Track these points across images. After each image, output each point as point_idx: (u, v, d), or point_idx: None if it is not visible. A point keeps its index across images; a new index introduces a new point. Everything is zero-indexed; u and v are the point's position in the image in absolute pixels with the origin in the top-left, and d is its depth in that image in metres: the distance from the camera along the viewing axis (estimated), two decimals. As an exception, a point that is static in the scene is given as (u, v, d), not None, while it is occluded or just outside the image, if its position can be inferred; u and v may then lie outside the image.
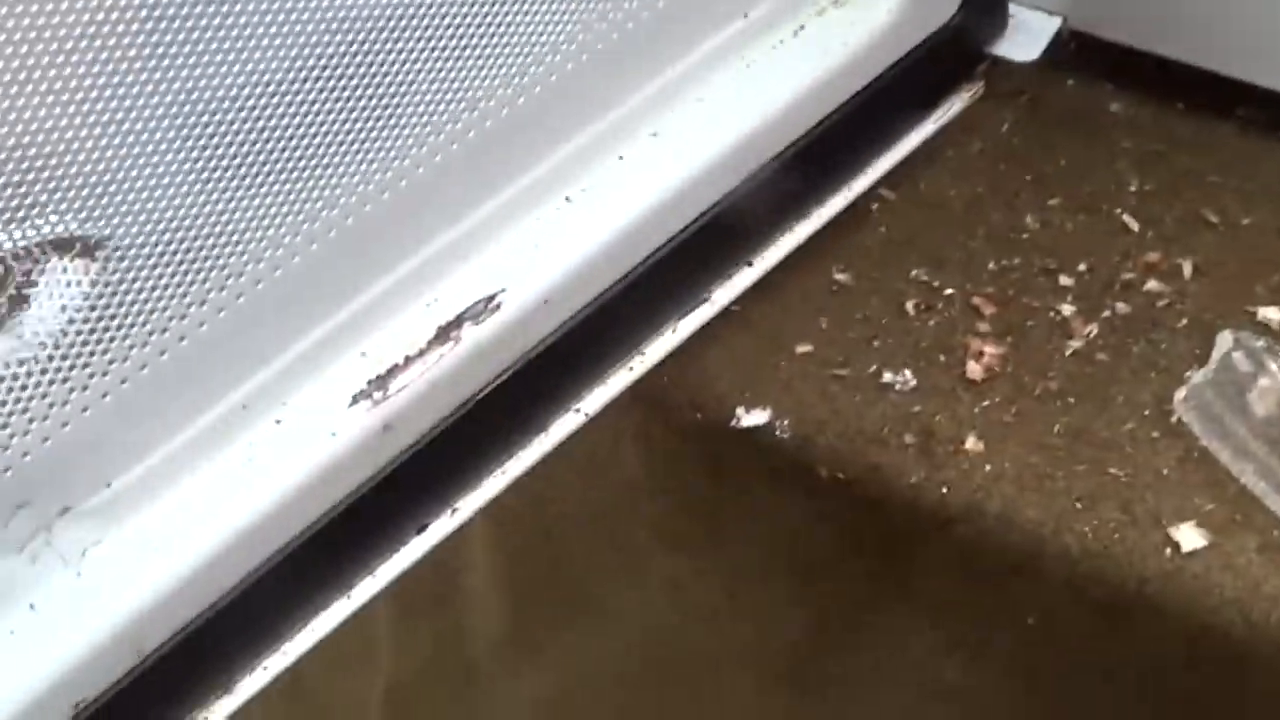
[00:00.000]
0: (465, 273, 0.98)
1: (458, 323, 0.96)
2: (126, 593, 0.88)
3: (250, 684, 0.96)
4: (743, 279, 1.12)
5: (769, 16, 1.08)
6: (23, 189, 0.75)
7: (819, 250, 1.18)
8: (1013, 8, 1.21)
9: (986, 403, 1.12)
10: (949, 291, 1.18)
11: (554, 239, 1.00)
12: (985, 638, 1.18)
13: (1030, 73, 1.24)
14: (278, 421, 0.93)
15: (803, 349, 1.16)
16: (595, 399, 1.07)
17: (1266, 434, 1.04)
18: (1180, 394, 1.09)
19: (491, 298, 0.97)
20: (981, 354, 1.14)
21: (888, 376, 1.14)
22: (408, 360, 0.94)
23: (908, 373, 1.14)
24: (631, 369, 1.08)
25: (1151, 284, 1.16)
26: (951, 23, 1.15)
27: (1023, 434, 1.10)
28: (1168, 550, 1.03)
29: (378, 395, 0.93)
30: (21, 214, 0.75)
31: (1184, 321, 1.13)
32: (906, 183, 1.24)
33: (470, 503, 1.02)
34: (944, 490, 1.09)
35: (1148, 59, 1.23)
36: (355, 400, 0.93)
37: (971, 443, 1.10)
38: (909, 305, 1.18)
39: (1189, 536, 1.03)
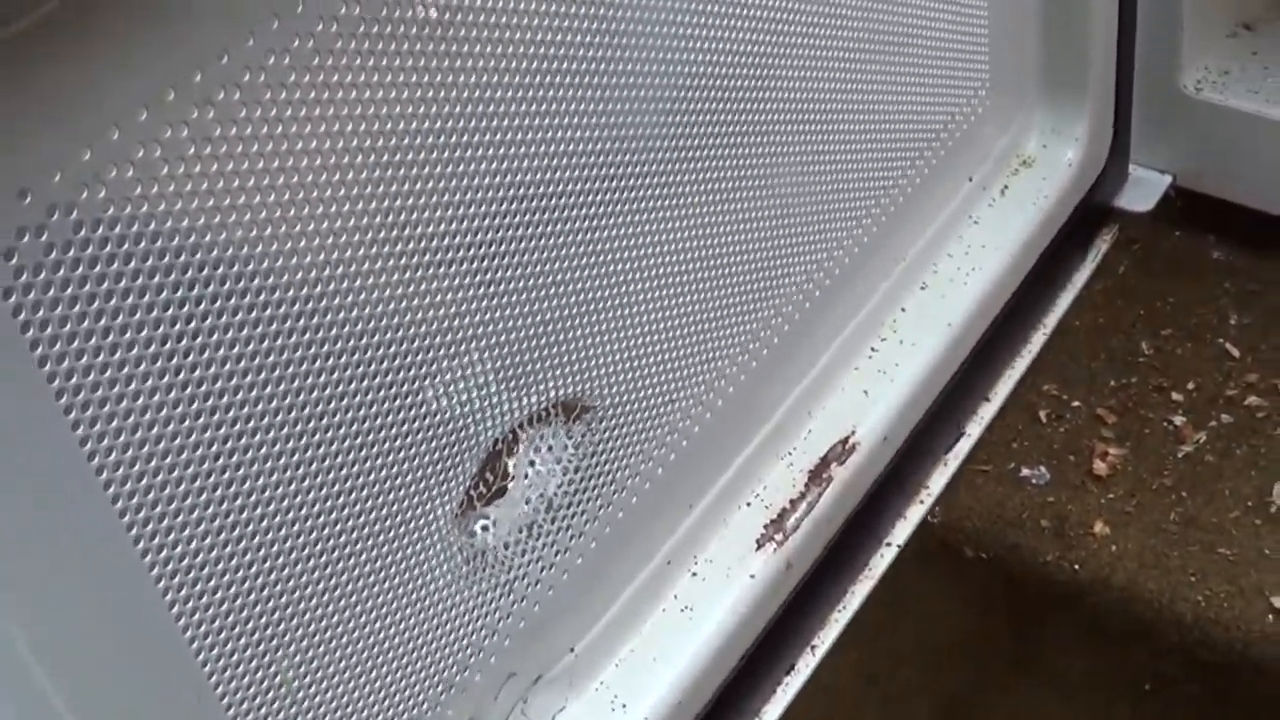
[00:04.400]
0: (813, 423, 1.03)
1: (825, 464, 1.01)
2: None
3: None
4: (986, 411, 1.17)
5: (983, 179, 1.16)
6: (538, 357, 0.79)
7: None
8: (1131, 165, 1.32)
9: (1111, 495, 1.27)
10: (1075, 404, 1.33)
11: (875, 384, 1.06)
12: (1107, 703, 1.28)
13: (1144, 222, 1.35)
14: (693, 574, 0.96)
15: (951, 448, 1.28)
16: (900, 532, 1.10)
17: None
18: (1278, 488, 1.25)
19: (846, 439, 1.03)
20: (1106, 454, 1.30)
21: (1025, 471, 1.30)
22: (793, 504, 1.00)
23: (1042, 469, 1.29)
24: (922, 502, 1.12)
25: (1251, 399, 1.31)
26: (1103, 174, 1.24)
27: (1143, 521, 1.25)
28: (1270, 616, 1.19)
29: (779, 537, 0.98)
30: (530, 381, 0.79)
31: (1280, 429, 1.29)
32: (1034, 313, 1.36)
33: (824, 639, 1.05)
34: (1076, 568, 1.24)
35: (1244, 212, 1.35)
36: (760, 544, 0.98)
37: (1099, 527, 1.25)
38: (1041, 414, 1.33)
39: (1290, 606, 1.18)
